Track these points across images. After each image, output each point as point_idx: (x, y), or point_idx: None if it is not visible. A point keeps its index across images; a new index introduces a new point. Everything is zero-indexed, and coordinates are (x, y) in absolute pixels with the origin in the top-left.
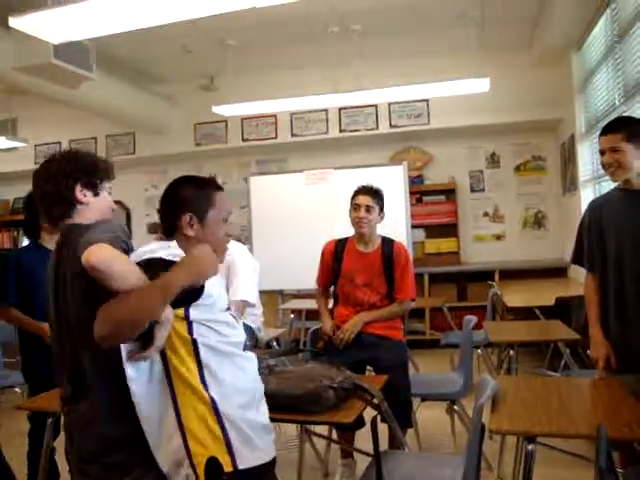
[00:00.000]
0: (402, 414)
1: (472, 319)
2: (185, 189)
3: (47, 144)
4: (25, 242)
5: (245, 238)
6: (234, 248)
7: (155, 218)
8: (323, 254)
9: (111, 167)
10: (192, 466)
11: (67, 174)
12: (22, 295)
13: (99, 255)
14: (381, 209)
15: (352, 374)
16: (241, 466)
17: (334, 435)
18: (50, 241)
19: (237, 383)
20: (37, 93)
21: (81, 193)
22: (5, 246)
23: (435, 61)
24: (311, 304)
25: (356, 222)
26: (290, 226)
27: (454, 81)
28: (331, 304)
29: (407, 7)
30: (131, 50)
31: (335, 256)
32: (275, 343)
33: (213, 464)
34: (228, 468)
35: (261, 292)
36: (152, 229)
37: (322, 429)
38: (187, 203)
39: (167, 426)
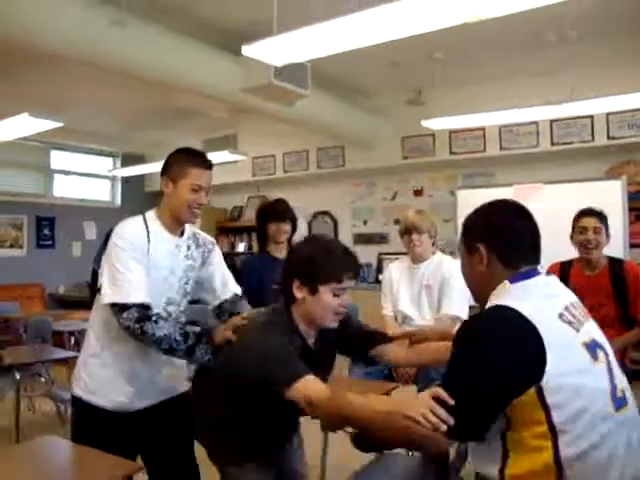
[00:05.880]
0: None
1: None
2: None
3: (263, 157)
4: (241, 247)
5: (450, 253)
6: (449, 262)
7: (361, 229)
8: None
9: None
10: None
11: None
12: (250, 296)
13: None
14: (607, 231)
15: None
16: None
17: None
18: (276, 250)
19: None
20: (256, 110)
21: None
22: (223, 250)
23: None
24: None
25: (584, 245)
26: None
27: None
28: None
29: (627, 9)
30: (341, 67)
31: (560, 279)
32: None
33: None
34: None
35: (470, 307)
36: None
37: None
38: None
39: None
